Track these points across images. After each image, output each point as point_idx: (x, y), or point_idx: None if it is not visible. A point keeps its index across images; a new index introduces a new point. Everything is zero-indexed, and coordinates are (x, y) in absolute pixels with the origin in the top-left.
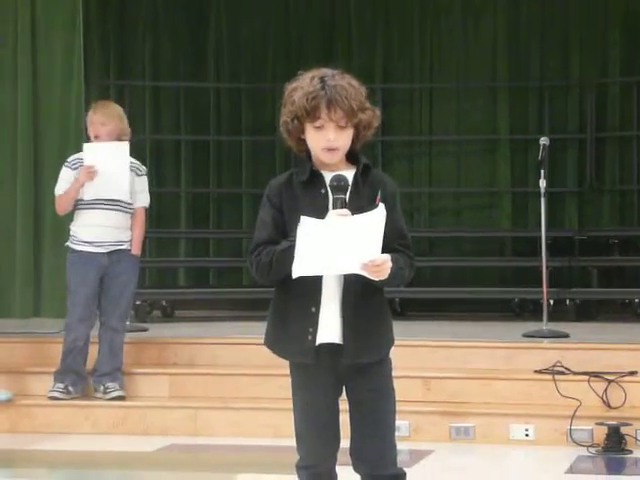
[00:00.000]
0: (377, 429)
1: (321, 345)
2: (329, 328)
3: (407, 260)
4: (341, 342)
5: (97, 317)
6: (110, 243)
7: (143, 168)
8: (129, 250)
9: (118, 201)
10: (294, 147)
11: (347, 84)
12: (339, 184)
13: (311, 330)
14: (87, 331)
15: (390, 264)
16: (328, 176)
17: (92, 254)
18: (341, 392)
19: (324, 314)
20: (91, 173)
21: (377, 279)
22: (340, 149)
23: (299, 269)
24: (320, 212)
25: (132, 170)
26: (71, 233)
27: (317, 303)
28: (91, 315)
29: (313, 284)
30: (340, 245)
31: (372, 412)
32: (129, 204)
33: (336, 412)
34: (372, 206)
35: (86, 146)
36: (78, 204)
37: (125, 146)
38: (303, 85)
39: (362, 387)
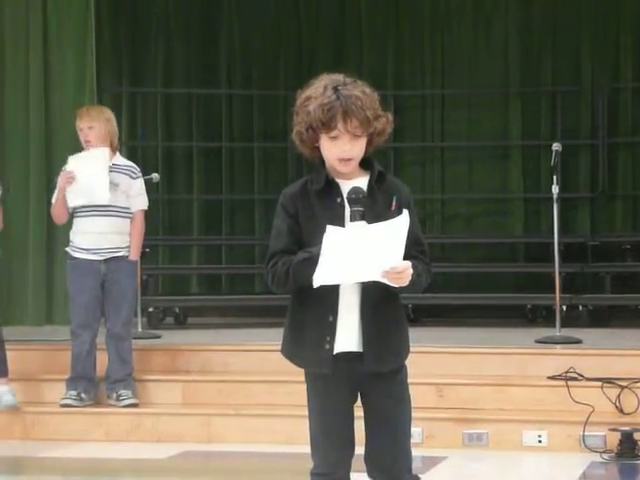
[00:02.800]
0: (392, 436)
1: (338, 354)
2: (347, 337)
3: (424, 266)
4: (359, 350)
5: (99, 323)
6: (106, 250)
7: (137, 170)
8: (127, 256)
9: (112, 206)
10: (307, 154)
11: (361, 93)
12: (357, 197)
13: (328, 339)
14: (90, 337)
15: (411, 271)
16: (343, 184)
17: (89, 261)
18: (356, 399)
19: (342, 323)
20: (69, 179)
21: (398, 286)
22: (355, 158)
23: (320, 278)
24: (337, 221)
25: (125, 173)
26: (70, 240)
27: (335, 312)
28: (93, 321)
29: (331, 292)
30: (363, 253)
31: (388, 419)
32: (125, 208)
33: (351, 419)
34: (388, 212)
35: (71, 158)
36: (75, 212)
37: (104, 151)
38: (317, 95)
39: (378, 394)
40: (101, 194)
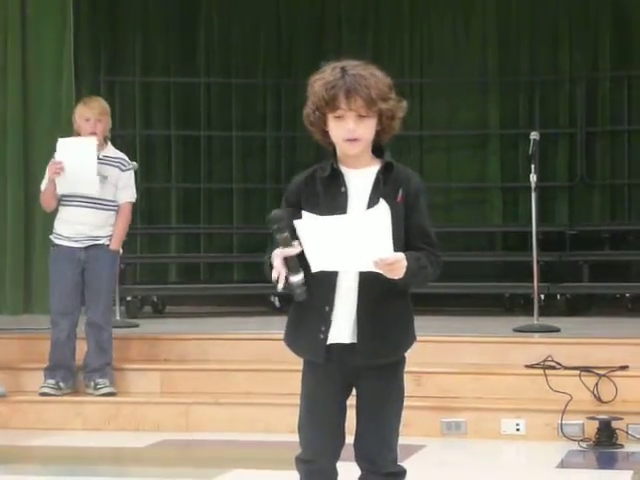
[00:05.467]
0: (381, 431)
1: (332, 344)
2: (342, 328)
3: (431, 258)
4: (353, 341)
5: (80, 312)
6: (86, 238)
7: (128, 162)
8: (107, 245)
9: (97, 199)
10: (320, 140)
11: (368, 73)
12: (273, 226)
13: (323, 329)
14: (69, 325)
15: (404, 263)
16: (349, 174)
17: (70, 249)
18: (351, 389)
19: (338, 314)
20: (58, 168)
21: (394, 277)
22: (362, 139)
23: (315, 264)
24: (339, 211)
25: (115, 165)
26: (53, 227)
27: (331, 302)
28: (72, 309)
29: (328, 283)
30: (348, 243)
31: (377, 413)
32: (112, 201)
33: (342, 411)
34: (394, 204)
35: (60, 141)
36: (61, 200)
37: (93, 142)
38: (325, 76)
39: (372, 388)
40: (90, 187)
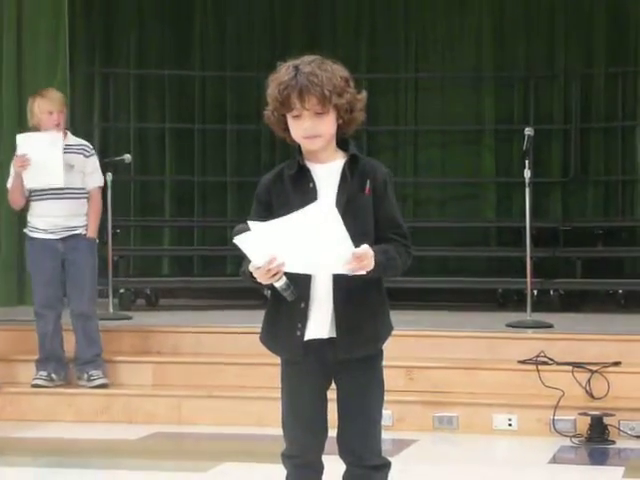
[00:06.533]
0: (363, 423)
1: (309, 340)
2: (319, 323)
3: (400, 249)
4: (332, 336)
5: (63, 303)
6: (63, 228)
7: (90, 148)
8: (84, 234)
9: (67, 189)
10: (286, 138)
11: (320, 70)
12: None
13: (300, 326)
14: (54, 317)
15: (371, 253)
16: (316, 169)
17: (46, 240)
18: (330, 384)
19: (314, 310)
20: (24, 162)
21: (362, 272)
22: (322, 135)
23: (287, 266)
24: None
25: (79, 152)
26: (28, 221)
27: (306, 298)
28: (55, 301)
29: (303, 280)
30: (306, 242)
31: (357, 405)
32: (81, 189)
33: (323, 404)
34: (362, 196)
35: (20, 137)
36: (31, 195)
37: (59, 135)
38: (279, 76)
39: (349, 380)
40: (56, 178)
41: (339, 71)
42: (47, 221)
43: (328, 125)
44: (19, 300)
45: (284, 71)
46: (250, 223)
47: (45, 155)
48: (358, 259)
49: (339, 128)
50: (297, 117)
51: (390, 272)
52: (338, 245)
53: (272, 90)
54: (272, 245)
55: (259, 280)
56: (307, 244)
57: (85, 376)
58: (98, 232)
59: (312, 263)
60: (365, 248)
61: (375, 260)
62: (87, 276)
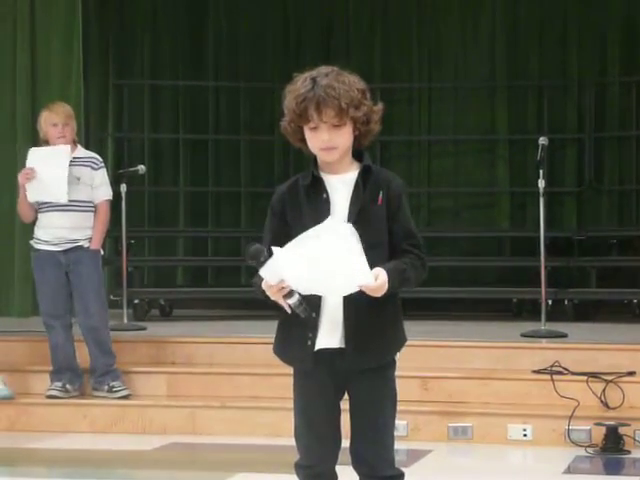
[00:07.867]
0: (375, 433)
1: (320, 350)
2: (329, 333)
3: (416, 262)
4: (341, 346)
5: (71, 313)
6: (65, 241)
7: (99, 161)
8: (87, 247)
9: (73, 202)
10: (302, 148)
11: (337, 82)
12: (252, 262)
13: (311, 335)
14: (63, 327)
15: (384, 278)
16: (330, 180)
17: (50, 252)
18: (343, 394)
19: (325, 320)
20: (28, 175)
21: (376, 295)
22: (338, 147)
23: (302, 290)
24: (322, 217)
25: (87, 165)
26: (34, 232)
27: (317, 308)
28: (63, 311)
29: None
30: (325, 266)
31: (371, 416)
32: (87, 202)
33: (336, 414)
34: (374, 207)
35: (32, 150)
36: (39, 207)
37: (67, 150)
38: (296, 88)
39: (363, 390)
40: (60, 195)
41: (356, 83)
42: (51, 233)
43: (345, 137)
44: (34, 311)
45: (301, 83)
46: (274, 249)
47: (51, 170)
48: (372, 292)
49: (355, 139)
50: (314, 129)
51: (405, 286)
52: (354, 269)
53: (289, 102)
54: (289, 269)
55: (271, 297)
56: (324, 268)
57: (106, 388)
58: (112, 244)
59: (328, 286)
60: (381, 280)
61: (389, 285)
62: (91, 289)
